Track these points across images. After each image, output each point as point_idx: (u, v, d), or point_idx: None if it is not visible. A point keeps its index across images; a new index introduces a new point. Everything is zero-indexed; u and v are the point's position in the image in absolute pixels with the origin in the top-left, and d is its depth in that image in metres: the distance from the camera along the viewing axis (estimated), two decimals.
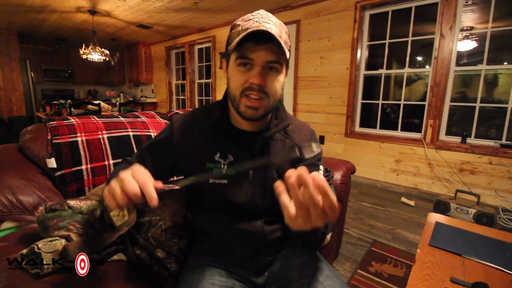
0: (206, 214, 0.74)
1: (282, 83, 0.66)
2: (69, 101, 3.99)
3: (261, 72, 0.60)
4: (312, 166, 0.75)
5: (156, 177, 0.66)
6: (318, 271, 0.68)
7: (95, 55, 4.57)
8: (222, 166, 0.68)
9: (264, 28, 0.57)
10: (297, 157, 0.72)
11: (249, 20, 0.60)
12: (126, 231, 0.71)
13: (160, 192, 0.49)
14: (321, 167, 0.78)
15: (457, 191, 2.20)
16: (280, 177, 0.71)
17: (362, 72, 3.15)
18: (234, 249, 0.73)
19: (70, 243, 0.63)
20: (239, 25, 0.62)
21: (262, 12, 0.63)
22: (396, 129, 2.99)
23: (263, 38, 0.58)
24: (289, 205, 0.38)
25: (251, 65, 0.61)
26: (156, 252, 0.72)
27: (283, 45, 0.59)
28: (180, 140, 0.71)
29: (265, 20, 0.59)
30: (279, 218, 0.76)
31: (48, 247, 0.60)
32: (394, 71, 3.06)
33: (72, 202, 0.75)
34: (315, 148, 0.66)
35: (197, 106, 5.35)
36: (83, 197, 0.89)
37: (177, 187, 0.49)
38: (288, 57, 0.62)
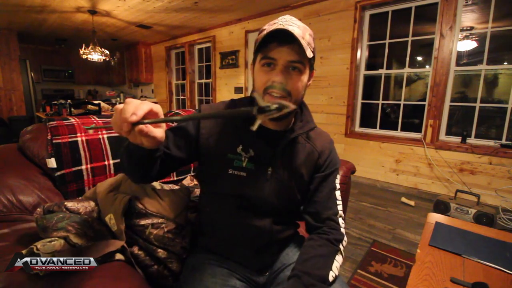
0: (218, 206, 0.73)
1: (305, 83, 0.67)
2: (69, 101, 3.99)
3: (283, 71, 0.62)
4: (329, 176, 0.76)
5: (176, 157, 0.67)
6: None
7: (95, 55, 4.57)
8: (243, 159, 0.69)
9: (284, 28, 0.59)
10: (314, 162, 0.74)
11: (274, 24, 0.63)
12: (125, 231, 0.71)
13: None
14: (338, 176, 0.79)
15: (457, 191, 2.20)
16: (296, 180, 0.72)
17: (362, 72, 3.15)
18: (239, 246, 0.73)
19: (63, 251, 0.62)
20: (264, 29, 0.64)
21: (287, 16, 0.65)
22: (396, 129, 2.99)
23: (285, 39, 0.60)
24: None
25: (274, 65, 0.63)
26: (157, 252, 0.72)
27: (305, 45, 0.60)
28: (206, 128, 0.72)
29: (289, 23, 0.62)
30: (288, 219, 0.78)
31: (47, 248, 0.60)
32: (394, 71, 3.05)
33: (69, 204, 0.75)
34: (336, 164, 0.76)
35: (197, 107, 5.35)
36: (80, 198, 0.89)
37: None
38: (310, 57, 0.63)
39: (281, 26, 0.60)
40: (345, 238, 0.73)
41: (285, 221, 0.76)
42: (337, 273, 0.66)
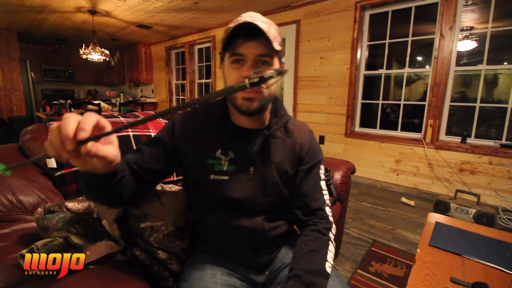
0: (207, 212, 0.74)
1: None
2: (69, 101, 3.98)
3: (253, 65, 0.62)
4: (313, 168, 0.77)
5: (155, 170, 0.67)
6: None
7: (95, 55, 4.57)
8: (223, 162, 0.69)
9: (249, 21, 0.58)
10: (297, 156, 0.74)
11: (238, 20, 0.62)
12: (124, 233, 0.71)
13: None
14: (322, 166, 0.79)
15: (457, 191, 2.20)
16: (280, 175, 0.72)
17: (362, 72, 3.15)
18: (235, 247, 0.73)
19: (63, 251, 0.62)
20: (230, 26, 0.64)
21: (251, 12, 0.65)
22: (396, 129, 2.99)
23: (251, 34, 0.60)
24: None
25: (243, 61, 0.63)
26: (157, 254, 0.72)
27: (271, 38, 0.60)
28: (182, 137, 0.71)
29: (254, 19, 0.61)
30: (280, 216, 0.78)
31: (47, 248, 0.60)
32: (394, 71, 3.05)
33: (70, 204, 0.75)
34: (318, 153, 0.76)
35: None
36: (80, 198, 0.89)
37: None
38: (278, 49, 0.62)
39: (246, 21, 0.59)
40: (334, 226, 0.74)
41: (277, 218, 0.76)
42: (332, 263, 0.67)
